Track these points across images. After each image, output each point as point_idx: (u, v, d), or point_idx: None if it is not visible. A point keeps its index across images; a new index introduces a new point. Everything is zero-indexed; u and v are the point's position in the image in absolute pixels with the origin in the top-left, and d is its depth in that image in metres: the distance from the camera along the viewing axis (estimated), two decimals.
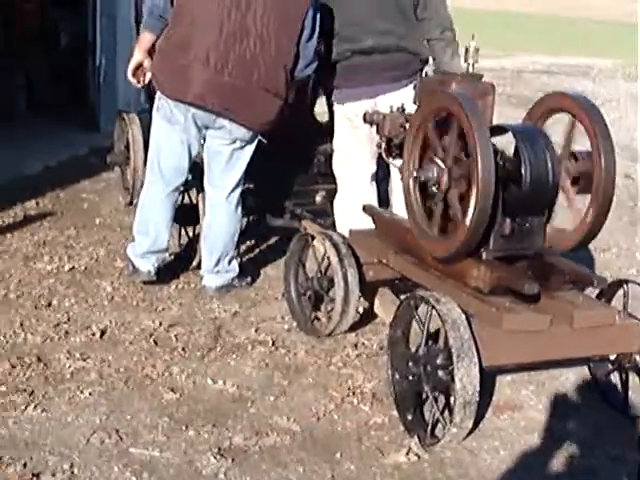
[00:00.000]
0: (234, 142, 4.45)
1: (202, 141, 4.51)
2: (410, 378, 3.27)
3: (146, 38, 4.43)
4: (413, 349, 3.31)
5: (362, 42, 4.49)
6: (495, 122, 3.61)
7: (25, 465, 2.95)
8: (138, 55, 4.46)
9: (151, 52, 4.47)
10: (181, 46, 4.24)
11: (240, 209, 4.61)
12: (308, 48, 4.38)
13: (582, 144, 3.44)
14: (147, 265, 4.56)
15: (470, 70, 3.68)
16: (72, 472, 2.94)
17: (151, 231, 4.55)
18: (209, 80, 4.26)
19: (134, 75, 4.55)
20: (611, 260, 5.57)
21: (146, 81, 4.60)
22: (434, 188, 3.39)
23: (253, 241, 5.49)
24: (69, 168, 7.17)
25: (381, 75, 4.54)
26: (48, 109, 8.83)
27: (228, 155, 4.49)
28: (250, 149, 4.51)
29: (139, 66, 4.51)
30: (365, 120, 4.03)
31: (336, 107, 4.82)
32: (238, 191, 4.57)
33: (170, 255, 5.02)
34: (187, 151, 4.46)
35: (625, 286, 3.47)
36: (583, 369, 3.72)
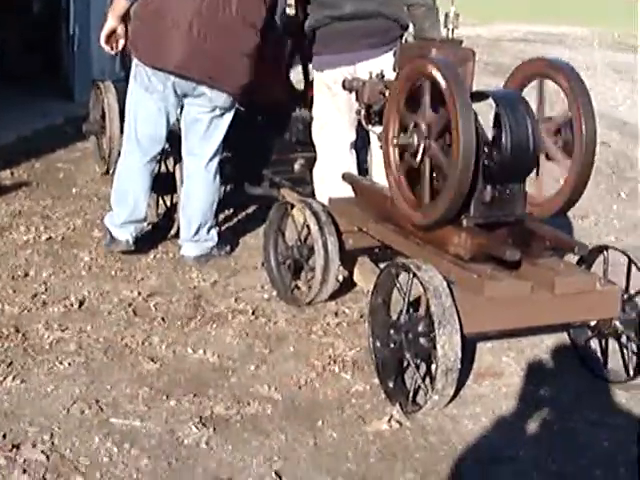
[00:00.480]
0: (213, 110, 4.40)
1: (179, 109, 4.46)
2: (391, 346, 3.26)
3: (120, 4, 4.35)
4: (394, 317, 3.30)
5: (342, 8, 4.43)
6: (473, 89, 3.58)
7: (5, 436, 2.93)
8: (112, 21, 4.39)
9: (125, 19, 4.41)
10: (160, 12, 4.18)
11: (218, 178, 4.58)
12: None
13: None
14: (125, 234, 4.52)
15: (450, 36, 3.65)
16: (52, 443, 2.91)
17: (129, 200, 4.50)
18: (191, 48, 4.21)
19: (107, 42, 4.48)
20: (590, 227, 5.58)
21: (119, 48, 4.53)
22: (414, 155, 3.37)
23: (232, 210, 5.45)
24: (44, 138, 7.08)
25: (361, 41, 4.49)
26: (21, 79, 8.70)
27: (207, 123, 4.44)
28: (229, 117, 4.47)
29: (112, 33, 4.44)
30: (344, 87, 4.00)
31: (315, 74, 4.77)
32: (216, 160, 4.53)
33: (148, 225, 4.98)
34: (165, 119, 4.41)
35: (605, 252, 3.47)
36: (563, 335, 3.73)
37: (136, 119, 4.44)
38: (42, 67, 9.01)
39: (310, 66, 5.01)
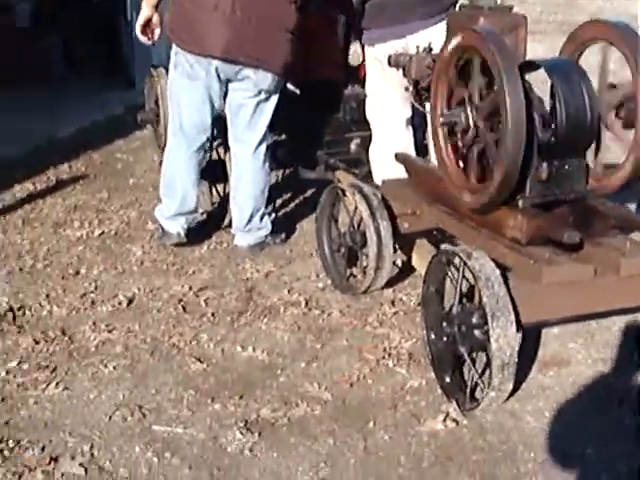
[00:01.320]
0: (259, 94, 4.24)
1: (224, 95, 4.30)
2: (445, 339, 3.06)
3: None
4: (447, 307, 3.09)
5: None
6: (547, 54, 3.33)
7: (43, 449, 2.83)
8: (146, 10, 4.27)
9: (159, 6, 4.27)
10: None
11: (268, 163, 4.42)
12: None
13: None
14: (176, 227, 4.40)
15: (499, 1, 3.41)
16: (92, 454, 2.80)
17: (178, 192, 4.38)
18: (233, 30, 4.05)
19: (143, 32, 4.35)
20: None
21: (156, 38, 4.39)
22: (463, 133, 3.15)
23: (288, 195, 5.29)
24: (103, 128, 7.03)
25: (411, 12, 4.23)
26: (86, 69, 8.68)
27: (253, 108, 4.28)
28: (274, 100, 4.30)
29: (148, 22, 4.30)
30: (390, 63, 3.78)
31: (366, 49, 4.55)
32: (264, 145, 4.37)
33: (201, 214, 4.87)
34: (209, 107, 4.27)
35: None
36: (637, 317, 3.47)
37: (180, 108, 4.30)
38: (105, 55, 8.96)
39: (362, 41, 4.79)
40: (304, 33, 4.35)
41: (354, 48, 5.12)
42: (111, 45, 8.90)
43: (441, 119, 3.21)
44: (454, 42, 3.16)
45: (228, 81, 4.21)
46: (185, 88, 4.25)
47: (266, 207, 4.51)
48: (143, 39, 4.39)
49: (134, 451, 2.82)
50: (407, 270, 4.07)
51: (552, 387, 3.16)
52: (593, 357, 3.36)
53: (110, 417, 3.01)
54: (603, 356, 3.35)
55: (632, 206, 4.61)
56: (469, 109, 3.10)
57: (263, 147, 4.36)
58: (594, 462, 2.73)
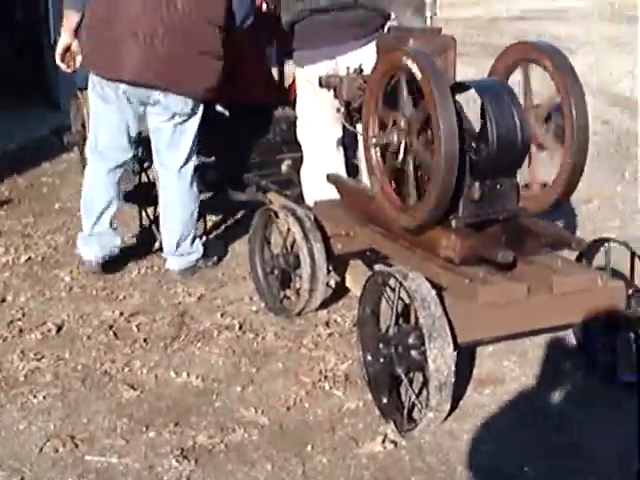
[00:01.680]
0: (173, 117, 4.19)
1: (144, 117, 4.26)
2: (382, 360, 3.05)
3: (70, 17, 4.20)
4: (383, 329, 3.09)
5: (317, 0, 4.20)
6: (473, 74, 3.37)
7: None
8: (65, 37, 4.24)
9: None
10: (105, 20, 3.99)
11: (195, 186, 4.37)
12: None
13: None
14: (90, 253, 4.35)
15: (429, 24, 3.44)
16: None
17: (95, 210, 4.34)
18: (139, 53, 4.00)
19: (63, 59, 4.30)
20: (594, 212, 5.35)
21: (77, 65, 4.32)
22: (395, 154, 3.15)
23: (219, 217, 5.25)
24: (28, 151, 6.91)
25: (341, 33, 4.23)
26: (9, 90, 8.49)
27: (170, 132, 4.23)
28: (193, 122, 4.25)
29: (67, 49, 4.24)
30: (321, 84, 3.78)
31: (297, 70, 4.54)
32: (189, 168, 4.32)
33: (132, 237, 4.81)
34: (125, 128, 4.23)
35: (606, 245, 3.24)
36: (568, 335, 3.51)
37: (96, 128, 4.28)
38: (31, 78, 8.79)
39: (291, 62, 4.79)
40: (232, 55, 4.34)
41: (288, 69, 5.13)
42: (35, 66, 8.74)
43: (373, 140, 3.22)
44: (385, 63, 3.17)
45: (142, 104, 4.16)
46: (100, 109, 4.22)
47: (196, 230, 4.46)
48: (63, 67, 4.35)
49: None
50: (341, 291, 4.06)
51: (488, 405, 3.17)
52: (527, 374, 3.38)
53: (41, 449, 2.93)
54: (536, 373, 3.38)
55: (569, 216, 4.70)
56: (401, 130, 3.10)
57: (188, 171, 4.31)
58: None
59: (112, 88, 4.09)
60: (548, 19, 16.60)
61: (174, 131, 4.22)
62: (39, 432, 3.03)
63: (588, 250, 3.27)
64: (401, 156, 3.13)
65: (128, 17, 3.95)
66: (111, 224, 4.37)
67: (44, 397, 3.26)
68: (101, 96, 4.15)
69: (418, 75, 2.93)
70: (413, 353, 2.91)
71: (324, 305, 3.92)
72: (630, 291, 3.15)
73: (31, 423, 3.08)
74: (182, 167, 4.28)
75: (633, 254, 3.18)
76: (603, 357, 3.35)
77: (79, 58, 4.28)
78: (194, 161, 4.35)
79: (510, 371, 3.41)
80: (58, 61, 4.31)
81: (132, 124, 4.23)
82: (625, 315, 3.14)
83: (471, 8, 17.30)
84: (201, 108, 4.24)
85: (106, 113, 4.19)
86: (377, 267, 3.45)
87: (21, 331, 3.79)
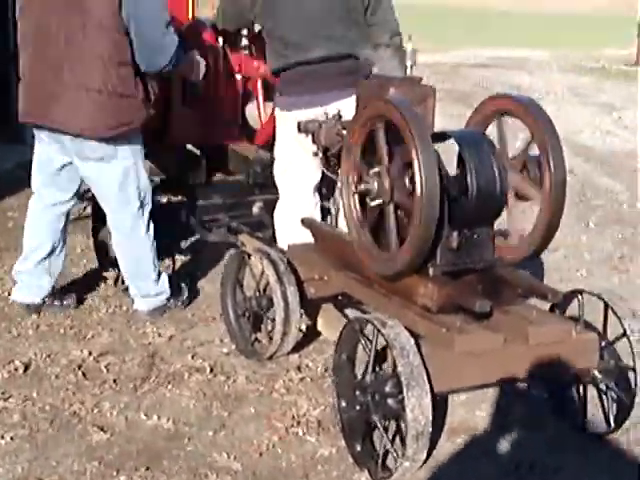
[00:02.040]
0: (85, 160, 4.07)
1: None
2: (357, 407, 3.04)
3: None
4: (360, 375, 3.08)
5: (311, 51, 4.12)
6: (439, 119, 3.41)
7: None
8: None
9: None
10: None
11: (146, 228, 4.22)
12: (146, 35, 3.88)
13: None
14: (17, 293, 4.40)
15: (409, 73, 3.48)
16: None
17: (25, 247, 4.38)
18: (29, 95, 4.06)
19: None
20: (560, 261, 5.41)
21: None
22: (375, 201, 3.17)
23: (189, 256, 5.22)
24: None
25: (330, 82, 4.20)
26: None
27: (93, 177, 4.14)
28: (116, 166, 4.07)
29: None
30: (300, 129, 3.79)
31: (281, 114, 4.46)
32: (133, 212, 4.17)
33: (98, 275, 4.76)
34: (52, 168, 4.19)
35: (580, 297, 3.27)
36: (539, 385, 3.53)
37: (34, 166, 4.30)
38: None
39: (270, 105, 4.79)
40: (207, 96, 4.34)
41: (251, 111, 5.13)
42: (0, 98, 8.66)
43: (353, 187, 3.23)
44: (366, 111, 3.19)
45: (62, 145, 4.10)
46: (36, 147, 4.27)
47: (158, 270, 4.36)
48: None
49: None
50: (312, 335, 4.05)
51: (462, 454, 3.18)
52: (498, 424, 3.39)
53: None
54: (508, 422, 3.39)
55: (535, 265, 4.74)
56: (380, 178, 3.12)
57: (132, 214, 4.18)
58: None
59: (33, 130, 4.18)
60: (511, 68, 16.89)
61: (97, 175, 4.13)
62: (6, 475, 2.97)
63: (562, 300, 3.30)
64: (380, 204, 3.14)
65: (26, 58, 4.06)
66: (39, 264, 4.31)
67: (11, 438, 3.19)
68: (36, 135, 4.20)
69: (400, 124, 2.95)
70: (390, 401, 2.91)
71: (295, 349, 3.90)
72: (603, 343, 3.18)
73: None
74: (125, 212, 4.18)
75: (607, 306, 3.21)
76: (573, 408, 3.37)
77: None
78: (139, 203, 4.18)
79: (482, 420, 3.42)
80: None
81: (57, 164, 4.17)
82: (598, 367, 3.17)
83: (433, 54, 17.55)
84: (124, 151, 4.08)
85: (37, 150, 4.24)
86: (351, 314, 3.44)
87: None
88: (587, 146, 9.09)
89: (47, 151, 4.17)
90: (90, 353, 3.91)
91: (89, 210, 5.28)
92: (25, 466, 3.02)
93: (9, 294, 4.57)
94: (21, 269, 4.35)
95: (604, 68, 17.92)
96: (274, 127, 4.90)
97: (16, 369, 3.73)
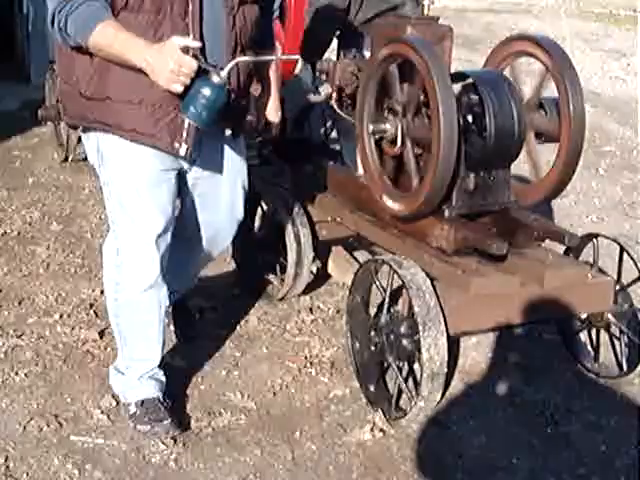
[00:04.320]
0: None
1: None
2: (372, 348, 3.04)
3: None
4: (374, 317, 3.08)
5: None
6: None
7: None
8: None
9: None
10: None
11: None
12: None
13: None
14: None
15: (426, 12, 3.43)
16: (7, 466, 2.68)
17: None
18: None
19: None
20: (570, 207, 5.39)
21: None
22: (391, 142, 3.14)
23: None
24: None
25: None
26: None
27: None
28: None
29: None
30: (315, 70, 3.74)
31: None
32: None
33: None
34: None
35: (595, 240, 3.25)
36: (553, 328, 3.53)
37: None
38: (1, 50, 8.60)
39: None
40: None
41: None
42: (5, 38, 8.57)
43: (370, 127, 3.19)
44: (384, 50, 3.14)
45: None
46: None
47: None
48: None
49: (53, 463, 2.71)
50: (323, 278, 4.04)
51: (474, 395, 3.19)
52: (510, 366, 3.40)
53: (25, 427, 2.88)
54: (522, 364, 3.39)
55: (545, 210, 4.72)
56: (398, 119, 3.09)
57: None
58: (521, 472, 2.75)
59: None
60: (517, 12, 16.66)
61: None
62: (22, 410, 2.98)
63: (578, 244, 3.28)
64: (397, 145, 3.11)
65: None
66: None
67: (25, 375, 3.20)
68: None
69: (420, 65, 2.91)
70: (405, 342, 2.91)
71: (306, 291, 3.90)
72: (617, 287, 3.17)
73: (13, 401, 3.03)
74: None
75: (622, 250, 3.20)
76: (586, 351, 3.38)
77: None
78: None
79: (493, 362, 3.42)
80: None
81: None
82: (612, 311, 3.17)
83: None
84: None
85: None
86: (362, 256, 3.43)
87: None
88: (596, 92, 8.99)
89: None
90: (102, 292, 3.88)
91: None
92: (40, 402, 3.03)
93: (19, 233, 4.57)
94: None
95: (611, 13, 17.69)
96: (284, 69, 4.85)
97: (28, 307, 3.73)
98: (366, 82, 3.25)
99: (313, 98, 4.61)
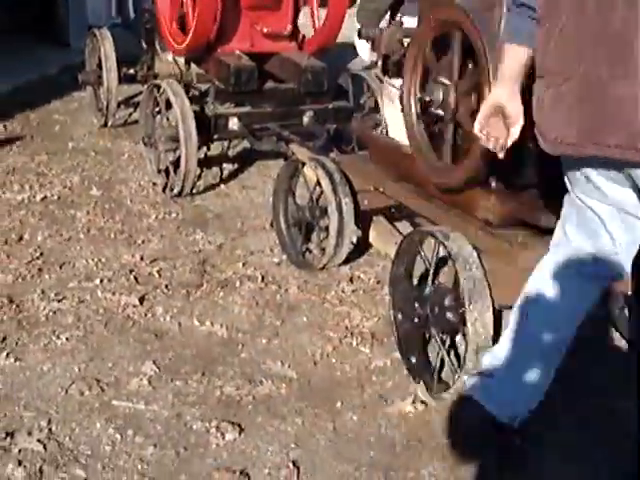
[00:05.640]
0: None
1: None
2: (415, 319, 3.01)
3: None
4: (418, 288, 3.04)
5: None
6: None
7: None
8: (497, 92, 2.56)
9: None
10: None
11: None
12: None
13: None
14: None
15: None
16: (50, 430, 2.68)
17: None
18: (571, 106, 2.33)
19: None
20: None
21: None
22: (440, 110, 3.09)
23: (237, 166, 5.17)
24: (39, 88, 6.78)
25: None
26: (17, 26, 8.32)
27: None
28: None
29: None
30: (360, 35, 3.69)
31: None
32: None
33: (148, 182, 4.74)
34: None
35: None
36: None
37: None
38: (40, 14, 8.59)
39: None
40: None
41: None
42: (45, 3, 8.56)
43: (417, 94, 3.14)
44: (435, 18, 3.09)
45: None
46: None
47: None
48: (483, 139, 2.60)
49: (95, 427, 2.71)
50: (363, 247, 4.00)
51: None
52: None
53: (67, 391, 2.89)
54: None
55: None
56: (448, 86, 3.03)
57: None
58: (571, 448, 2.72)
59: None
60: None
61: None
62: (64, 374, 2.99)
63: None
64: (445, 114, 3.05)
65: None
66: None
67: (67, 339, 3.21)
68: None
69: (472, 32, 2.85)
70: (449, 314, 2.87)
71: (346, 261, 3.87)
72: None
73: (55, 365, 3.04)
74: None
75: None
76: (631, 327, 3.32)
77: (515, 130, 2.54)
78: None
79: None
80: (477, 130, 2.59)
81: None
82: None
83: None
84: None
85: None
86: (404, 227, 3.38)
87: (40, 270, 3.73)
88: None
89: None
90: (142, 258, 3.90)
91: (136, 115, 5.26)
92: (82, 366, 3.04)
93: (59, 197, 4.58)
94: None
95: None
96: (326, 35, 4.82)
97: (69, 271, 3.73)
98: (414, 50, 3.20)
99: (356, 65, 4.58)
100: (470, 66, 2.96)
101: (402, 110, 3.31)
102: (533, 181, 3.11)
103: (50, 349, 3.14)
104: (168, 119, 4.69)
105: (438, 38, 3.09)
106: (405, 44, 3.42)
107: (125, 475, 2.50)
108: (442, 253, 2.91)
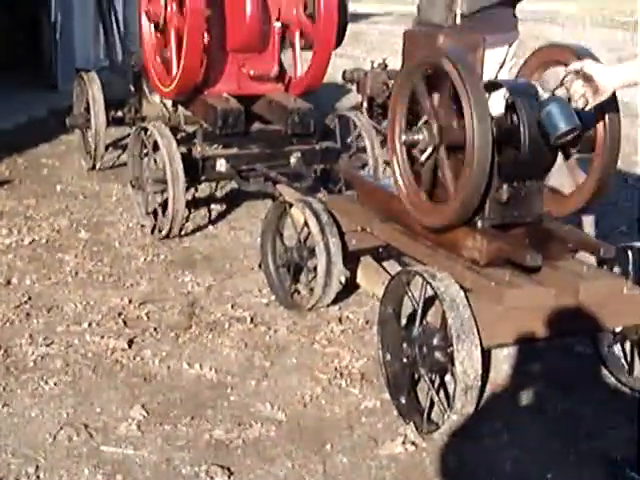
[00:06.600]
0: None
1: None
2: (403, 359, 3.01)
3: None
4: (406, 328, 3.05)
5: None
6: None
7: None
8: None
9: None
10: None
11: None
12: None
13: None
14: None
15: (458, 21, 3.40)
16: (37, 477, 2.67)
17: None
18: None
19: None
20: (600, 217, 5.31)
21: None
22: (423, 152, 3.11)
23: (225, 206, 5.19)
24: (26, 131, 6.81)
25: (508, 24, 4.15)
26: (5, 69, 8.37)
27: None
28: None
29: None
30: (344, 78, 3.73)
31: None
32: None
33: (136, 224, 4.75)
34: None
35: (630, 252, 3.21)
36: (585, 341, 3.49)
37: None
38: (24, 56, 8.66)
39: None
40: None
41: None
42: (33, 46, 8.62)
43: (402, 137, 3.17)
44: (417, 60, 3.12)
45: None
46: None
47: None
48: None
49: (83, 474, 2.69)
50: (352, 288, 4.01)
51: (506, 408, 3.15)
52: (545, 379, 3.35)
53: (55, 437, 2.87)
54: (554, 377, 3.35)
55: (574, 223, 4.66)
56: (431, 128, 3.06)
57: None
58: None
59: None
60: (542, 21, 16.62)
61: None
62: (52, 420, 2.97)
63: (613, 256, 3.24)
64: (429, 155, 3.08)
65: None
66: None
67: (55, 384, 3.20)
68: None
69: (454, 74, 2.88)
70: (437, 354, 2.88)
71: (335, 301, 3.87)
72: None
73: (43, 410, 3.02)
74: None
75: None
76: (619, 364, 3.33)
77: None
78: None
79: (526, 375, 3.38)
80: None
81: None
82: None
83: None
84: None
85: None
86: (391, 267, 3.39)
87: (28, 315, 3.72)
88: (624, 102, 8.93)
89: None
90: (130, 301, 3.90)
91: (124, 157, 5.28)
92: (70, 412, 3.02)
93: (47, 241, 4.58)
94: None
95: (638, 23, 17.60)
96: (313, 76, 4.85)
97: (57, 315, 3.73)
98: (398, 91, 3.23)
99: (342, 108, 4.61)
100: (453, 112, 2.99)
101: (387, 151, 3.34)
102: (518, 220, 3.14)
103: (38, 394, 3.12)
104: (156, 161, 4.72)
105: (423, 79, 3.12)
106: (389, 86, 3.46)
107: None
108: (429, 293, 2.92)
